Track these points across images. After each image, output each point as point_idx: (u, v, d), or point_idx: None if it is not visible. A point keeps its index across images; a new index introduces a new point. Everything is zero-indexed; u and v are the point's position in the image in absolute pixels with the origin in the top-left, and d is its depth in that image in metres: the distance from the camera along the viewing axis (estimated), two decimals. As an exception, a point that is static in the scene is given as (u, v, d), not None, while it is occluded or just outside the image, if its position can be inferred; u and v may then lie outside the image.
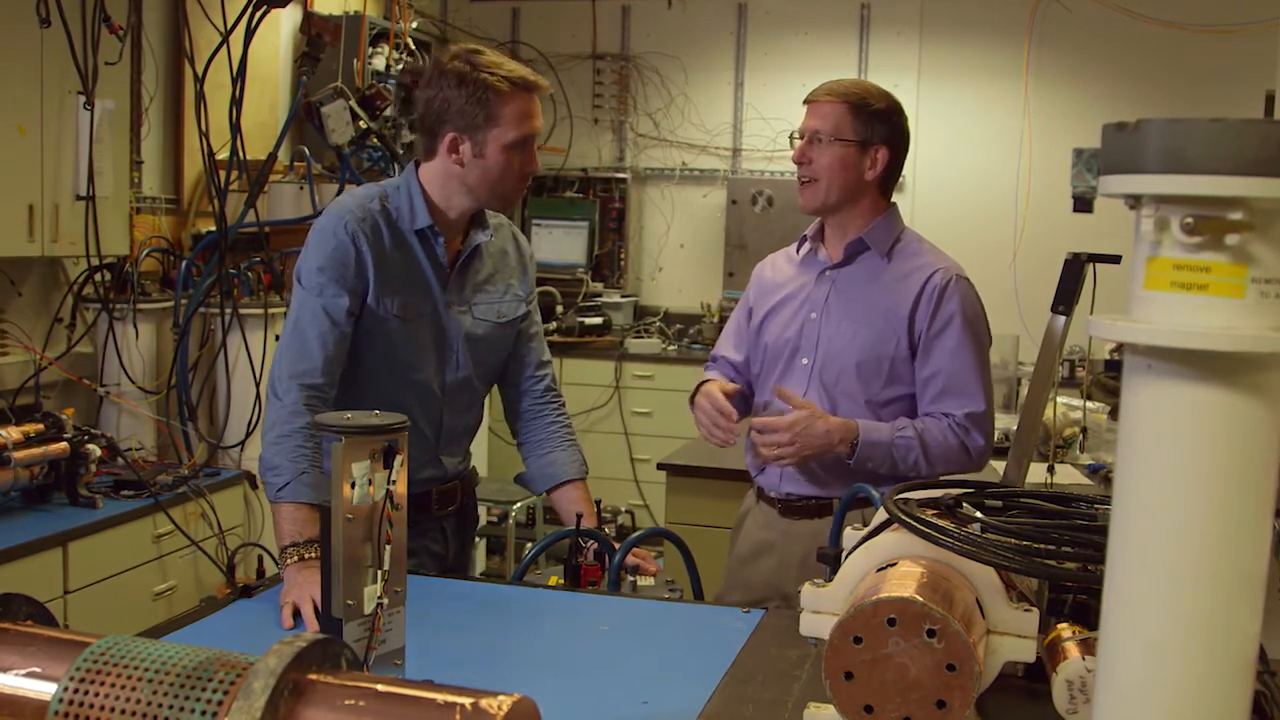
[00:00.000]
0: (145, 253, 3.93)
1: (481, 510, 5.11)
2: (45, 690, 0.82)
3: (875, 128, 2.35)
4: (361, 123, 4.18)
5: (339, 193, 3.81)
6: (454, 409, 2.34)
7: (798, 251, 2.52)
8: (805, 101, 2.41)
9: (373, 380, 2.23)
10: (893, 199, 2.46)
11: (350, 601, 1.44)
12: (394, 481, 1.46)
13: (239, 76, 3.57)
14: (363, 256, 2.16)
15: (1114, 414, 3.79)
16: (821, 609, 1.30)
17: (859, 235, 2.40)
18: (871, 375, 2.35)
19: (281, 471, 2.06)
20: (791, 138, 2.43)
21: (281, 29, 4.89)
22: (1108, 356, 5.13)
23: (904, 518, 1.29)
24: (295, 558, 1.98)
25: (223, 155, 3.85)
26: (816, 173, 2.36)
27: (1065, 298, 2.31)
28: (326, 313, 2.14)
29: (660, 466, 3.73)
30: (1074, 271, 2.29)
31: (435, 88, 2.17)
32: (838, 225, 2.43)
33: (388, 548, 1.45)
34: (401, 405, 2.22)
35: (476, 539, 5.10)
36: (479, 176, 2.19)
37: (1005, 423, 3.97)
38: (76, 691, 0.81)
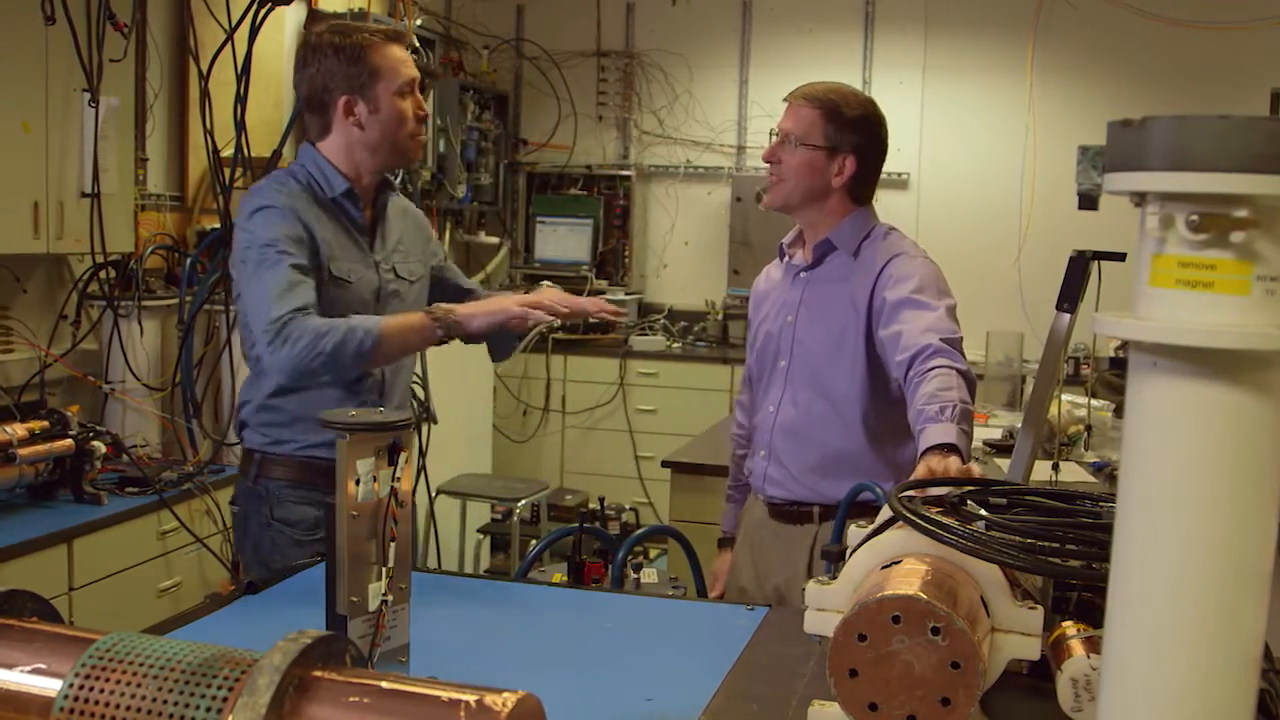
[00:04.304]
0: (150, 250, 3.94)
1: (485, 507, 5.14)
2: (50, 687, 0.82)
3: (845, 135, 2.34)
4: (365, 120, 4.17)
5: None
6: (394, 365, 2.39)
7: (781, 260, 2.54)
8: (784, 99, 2.42)
9: None
10: (870, 202, 2.45)
11: (355, 598, 1.44)
12: (399, 478, 1.46)
13: (243, 73, 3.56)
14: (309, 227, 2.23)
15: (1119, 411, 3.78)
16: (826, 606, 1.29)
17: (826, 236, 2.40)
18: (841, 370, 2.35)
19: (352, 329, 2.08)
20: (771, 134, 2.45)
21: (286, 26, 4.89)
22: (1112, 354, 5.13)
23: (908, 515, 1.28)
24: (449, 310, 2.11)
25: (227, 152, 3.85)
26: (783, 173, 2.37)
27: (1070, 295, 2.30)
28: (296, 269, 2.15)
29: (664, 464, 3.73)
30: (1079, 269, 2.28)
31: (314, 64, 2.28)
32: (809, 226, 2.44)
33: (393, 544, 1.45)
34: None
35: (480, 536, 5.14)
36: (380, 132, 2.29)
37: (1010, 420, 3.98)
38: (82, 688, 0.81)
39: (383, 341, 2.09)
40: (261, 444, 2.33)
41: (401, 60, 2.29)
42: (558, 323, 2.20)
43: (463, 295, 2.54)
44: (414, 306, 2.42)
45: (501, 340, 2.47)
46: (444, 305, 2.15)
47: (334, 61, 2.25)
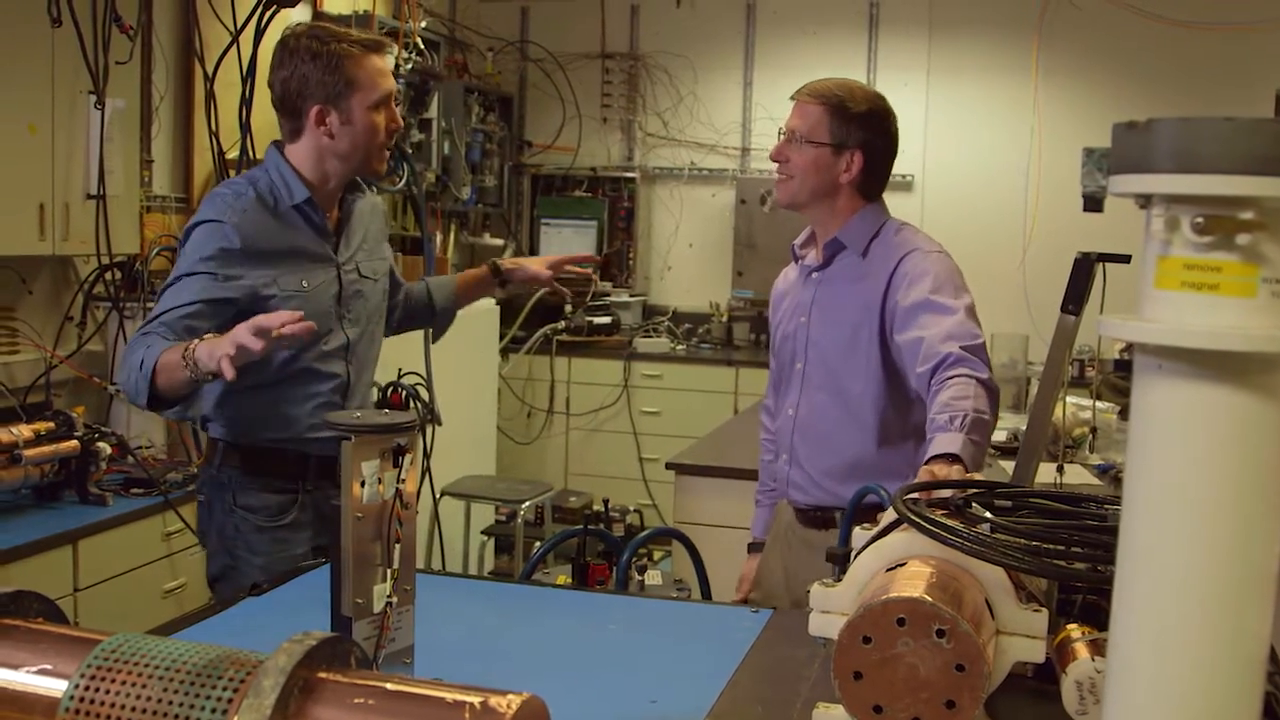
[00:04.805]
0: (155, 251, 3.94)
1: (489, 509, 5.14)
2: (56, 687, 0.82)
3: (852, 132, 2.32)
4: (370, 122, 4.17)
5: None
6: (358, 364, 2.40)
7: (795, 261, 2.53)
8: (791, 97, 2.41)
9: (286, 360, 2.26)
10: (881, 197, 2.42)
11: (360, 600, 1.44)
12: (403, 480, 1.46)
13: (249, 75, 3.58)
14: (255, 246, 2.20)
15: (1124, 414, 3.78)
16: (830, 609, 1.29)
17: (835, 235, 2.38)
18: (855, 371, 2.33)
19: (140, 361, 2.01)
20: (780, 133, 2.44)
21: (291, 28, 4.90)
22: (1117, 356, 5.13)
23: (913, 518, 1.28)
24: (194, 347, 1.95)
25: (232, 154, 3.86)
26: (790, 171, 2.36)
27: (1075, 297, 2.30)
28: (209, 291, 2.13)
29: (669, 466, 3.72)
30: (1084, 271, 2.28)
31: (289, 67, 2.24)
32: (819, 225, 2.43)
33: (397, 546, 1.45)
34: (310, 375, 2.28)
35: (485, 537, 5.14)
36: (350, 143, 2.27)
37: (1015, 423, 3.97)
38: (87, 689, 0.81)
39: (156, 376, 2.00)
40: (224, 434, 2.35)
41: (379, 73, 2.26)
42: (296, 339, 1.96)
43: (396, 289, 2.63)
44: (377, 305, 2.47)
45: (439, 323, 2.75)
46: (199, 340, 1.98)
47: (310, 68, 2.22)
